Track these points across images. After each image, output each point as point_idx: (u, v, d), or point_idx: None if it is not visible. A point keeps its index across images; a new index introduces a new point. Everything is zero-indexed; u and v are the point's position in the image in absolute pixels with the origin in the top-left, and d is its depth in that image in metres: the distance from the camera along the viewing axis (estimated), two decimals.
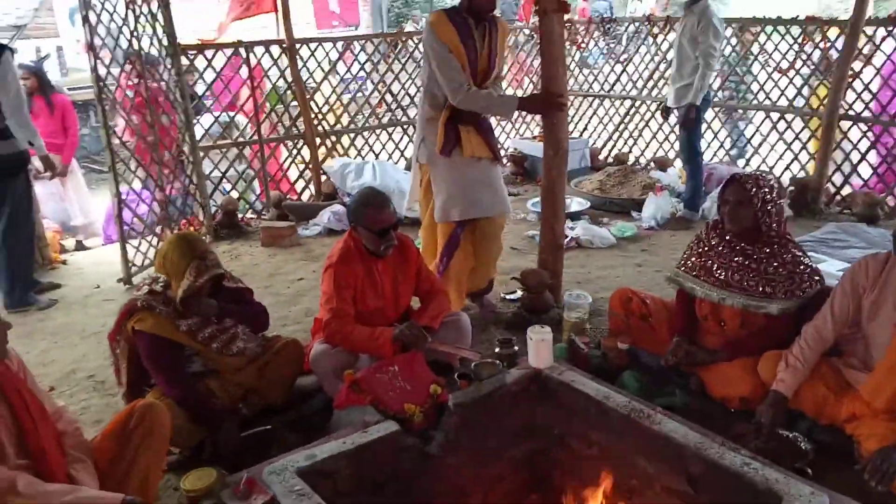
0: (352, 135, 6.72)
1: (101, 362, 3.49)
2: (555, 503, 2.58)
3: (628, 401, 2.41)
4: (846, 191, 5.70)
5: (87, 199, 6.42)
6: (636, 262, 4.72)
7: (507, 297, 3.98)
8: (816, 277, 2.75)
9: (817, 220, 5.40)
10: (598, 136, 7.96)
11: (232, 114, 6.32)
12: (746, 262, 2.79)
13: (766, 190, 2.73)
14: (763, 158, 6.27)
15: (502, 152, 7.23)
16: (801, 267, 2.73)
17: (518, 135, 8.06)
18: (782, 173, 6.12)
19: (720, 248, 2.88)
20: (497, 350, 3.13)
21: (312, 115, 6.28)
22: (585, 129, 8.08)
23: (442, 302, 3.11)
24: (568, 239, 5.08)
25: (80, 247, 6.12)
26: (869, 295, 2.50)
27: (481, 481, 2.63)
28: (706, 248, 2.94)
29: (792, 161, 6.04)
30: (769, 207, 2.73)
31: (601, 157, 7.74)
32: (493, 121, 3.73)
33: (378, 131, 6.88)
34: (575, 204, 5.94)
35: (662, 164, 6.87)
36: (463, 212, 3.53)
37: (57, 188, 6.37)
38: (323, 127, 6.38)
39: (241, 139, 6.12)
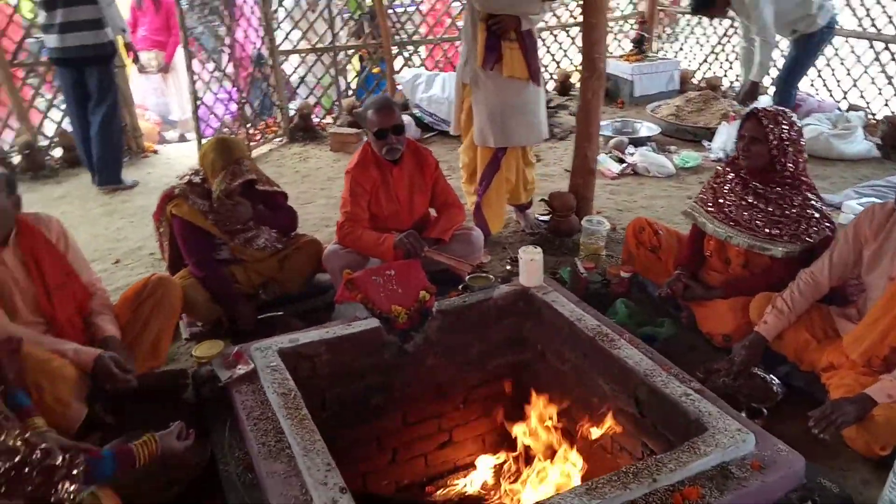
0: (430, 46, 6.73)
1: None
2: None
3: (598, 325, 2.49)
4: None
5: (187, 95, 6.90)
6: (688, 194, 4.59)
7: (539, 217, 4.04)
8: (826, 224, 2.65)
9: None
10: (694, 57, 7.52)
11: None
12: (756, 202, 2.72)
13: (785, 128, 2.62)
14: (861, 92, 5.76)
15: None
16: (810, 211, 2.63)
17: (608, 52, 7.76)
18: (880, 110, 5.61)
19: (733, 185, 2.81)
20: (507, 267, 3.27)
21: (391, 24, 6.35)
22: (681, 49, 7.66)
23: (454, 215, 3.23)
24: (624, 165, 5.01)
25: (182, 139, 6.67)
26: (870, 245, 2.40)
27: (462, 384, 2.83)
28: (721, 184, 2.87)
29: (893, 96, 5.51)
30: (786, 146, 2.62)
31: (694, 80, 7.35)
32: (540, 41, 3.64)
33: (457, 43, 6.84)
34: (644, 129, 5.78)
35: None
36: (497, 139, 3.61)
37: (159, 83, 6.92)
38: (400, 36, 6.44)
39: (319, 45, 6.29)
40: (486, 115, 3.57)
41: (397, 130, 3.00)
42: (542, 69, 7.18)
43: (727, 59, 7.12)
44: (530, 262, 2.75)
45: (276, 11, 5.99)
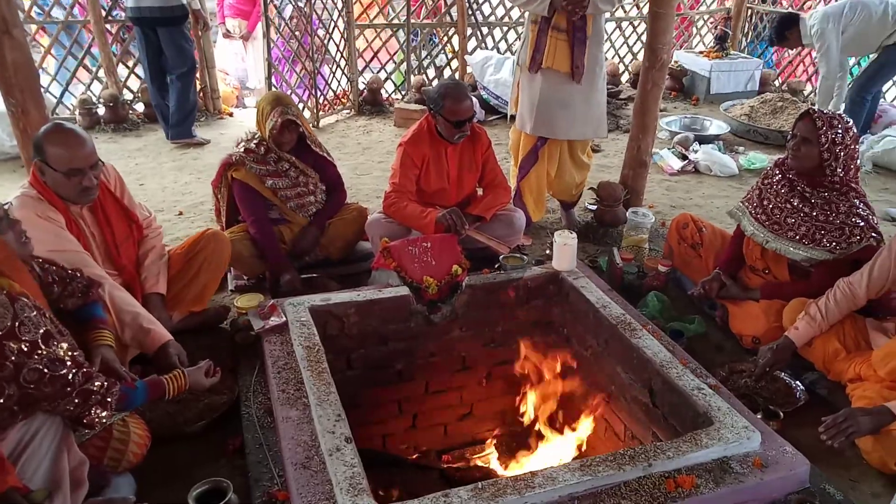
0: (504, 28, 6.73)
1: None
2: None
3: (623, 314, 2.50)
4: None
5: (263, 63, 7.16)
6: None
7: (588, 206, 4.03)
8: (872, 234, 2.54)
9: None
10: (778, 59, 7.25)
11: None
12: (801, 205, 2.65)
13: (840, 132, 2.53)
14: None
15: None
16: (855, 219, 2.54)
17: (688, 46, 7.57)
18: None
19: (779, 187, 2.75)
20: (547, 252, 3.30)
21: (467, 5, 6.38)
22: (767, 49, 7.38)
23: (499, 195, 3.28)
24: (685, 162, 4.92)
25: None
26: None
27: (486, 360, 2.90)
28: (769, 185, 2.81)
29: None
30: (837, 150, 2.54)
31: (775, 82, 7.09)
32: (604, 34, 3.43)
33: None
34: (714, 127, 5.65)
35: None
36: (536, 127, 3.54)
37: (240, 50, 7.21)
38: (475, 18, 6.47)
39: (394, 21, 6.39)
40: (528, 101, 3.54)
41: (471, 119, 3.08)
42: (616, 62, 7.16)
43: (813, 64, 6.82)
44: (563, 247, 2.78)
45: None
